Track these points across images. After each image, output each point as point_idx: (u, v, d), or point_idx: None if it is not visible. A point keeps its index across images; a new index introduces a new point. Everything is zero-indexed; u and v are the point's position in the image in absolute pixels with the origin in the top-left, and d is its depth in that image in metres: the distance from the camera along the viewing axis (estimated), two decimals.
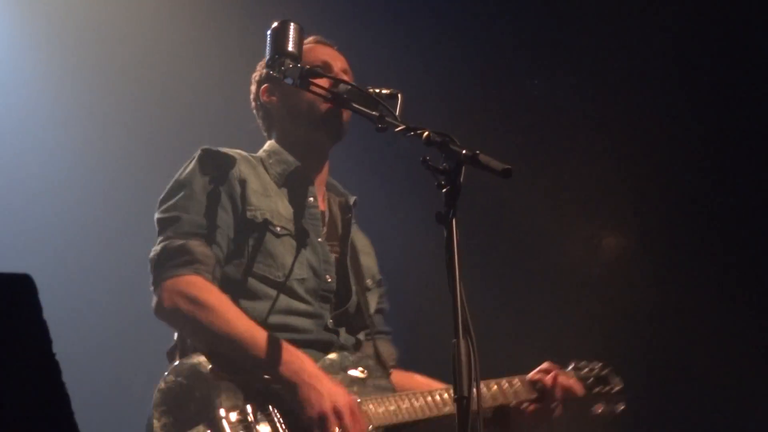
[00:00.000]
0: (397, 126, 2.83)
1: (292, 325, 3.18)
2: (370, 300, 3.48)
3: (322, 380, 3.01)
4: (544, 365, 3.61)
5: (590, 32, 5.32)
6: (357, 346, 3.37)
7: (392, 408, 3.16)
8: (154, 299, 3.12)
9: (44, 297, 1.51)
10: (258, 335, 3.04)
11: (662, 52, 5.26)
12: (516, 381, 3.54)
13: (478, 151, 2.62)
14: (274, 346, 3.03)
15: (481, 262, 5.00)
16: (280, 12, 3.25)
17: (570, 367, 3.77)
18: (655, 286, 5.24)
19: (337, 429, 2.96)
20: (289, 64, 3.02)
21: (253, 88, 3.56)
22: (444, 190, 2.61)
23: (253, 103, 3.57)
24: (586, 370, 3.79)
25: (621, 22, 5.32)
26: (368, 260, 3.55)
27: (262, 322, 3.12)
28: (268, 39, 3.08)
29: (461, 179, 2.61)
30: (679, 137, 5.30)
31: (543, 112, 5.37)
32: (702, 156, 5.31)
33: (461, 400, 2.44)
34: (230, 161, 3.29)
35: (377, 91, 3.01)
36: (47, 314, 1.50)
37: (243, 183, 3.25)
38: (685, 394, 5.31)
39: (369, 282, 3.50)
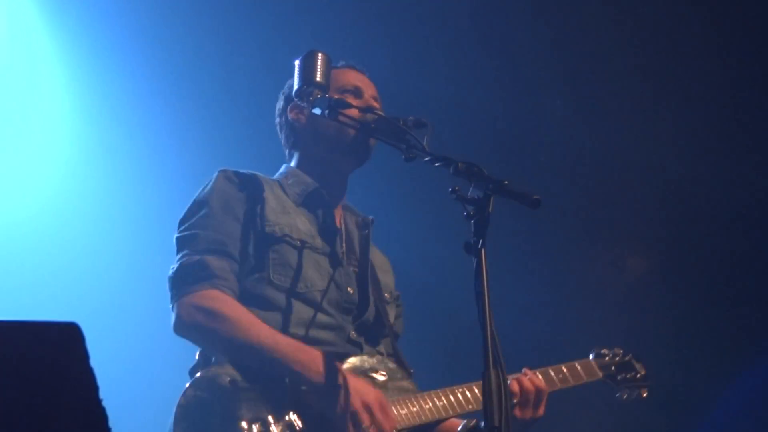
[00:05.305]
0: (425, 156, 2.85)
1: (314, 338, 3.17)
2: (389, 313, 3.48)
3: (347, 379, 3.00)
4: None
5: (617, 55, 5.33)
6: (378, 353, 3.33)
7: (414, 409, 3.14)
8: (173, 316, 3.11)
9: (91, 345, 1.54)
10: (280, 340, 3.04)
11: (684, 74, 5.27)
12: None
13: (506, 181, 2.63)
14: (296, 350, 3.03)
15: (515, 279, 5.04)
16: (305, 38, 3.27)
17: (591, 355, 3.72)
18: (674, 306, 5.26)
19: (368, 424, 2.95)
20: (318, 94, 3.03)
21: (281, 103, 3.57)
22: (473, 221, 2.62)
23: (278, 118, 3.58)
24: (608, 357, 3.75)
25: (647, 44, 5.33)
26: (386, 277, 3.56)
27: (284, 333, 3.11)
28: (296, 69, 3.09)
29: (490, 209, 2.62)
30: (699, 162, 5.32)
31: (563, 134, 5.39)
32: (725, 180, 5.33)
33: (492, 430, 2.45)
34: (248, 180, 3.31)
35: (405, 119, 3.02)
36: (94, 361, 1.53)
37: (261, 201, 3.26)
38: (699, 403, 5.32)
39: (387, 296, 3.50)
